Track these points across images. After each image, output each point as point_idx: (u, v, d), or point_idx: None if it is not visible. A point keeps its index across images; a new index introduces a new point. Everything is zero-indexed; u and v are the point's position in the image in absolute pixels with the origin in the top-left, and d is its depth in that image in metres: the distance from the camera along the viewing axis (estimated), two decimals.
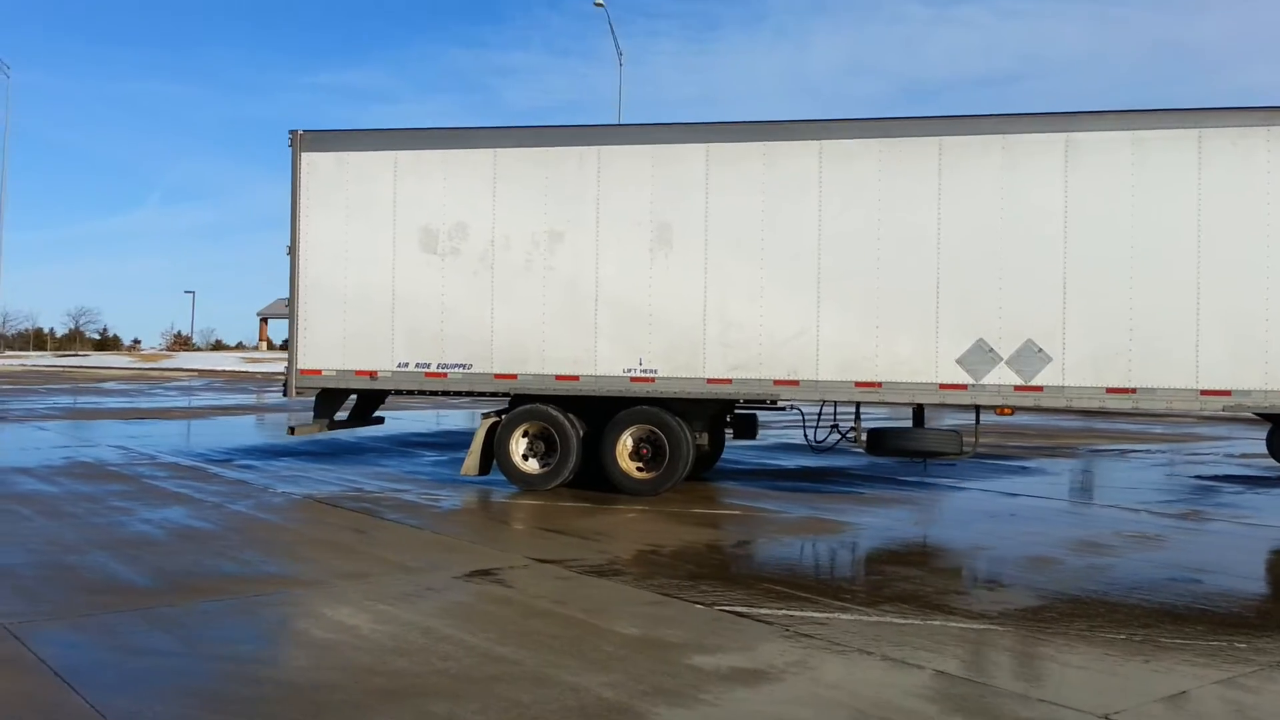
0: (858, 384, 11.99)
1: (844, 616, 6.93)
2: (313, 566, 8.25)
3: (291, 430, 14.10)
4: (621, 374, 12.52)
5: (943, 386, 11.78)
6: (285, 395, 13.73)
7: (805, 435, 13.79)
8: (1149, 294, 11.29)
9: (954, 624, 6.79)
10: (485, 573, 8.12)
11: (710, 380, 12.33)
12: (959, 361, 11.73)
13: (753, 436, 14.27)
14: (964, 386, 11.74)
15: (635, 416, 12.62)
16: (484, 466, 13.09)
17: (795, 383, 12.14)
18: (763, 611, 7.00)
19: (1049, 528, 10.94)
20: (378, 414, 15.02)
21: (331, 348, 13.33)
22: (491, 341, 12.86)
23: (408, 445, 18.37)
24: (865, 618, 6.91)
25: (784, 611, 7.01)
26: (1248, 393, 11.16)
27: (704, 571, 8.35)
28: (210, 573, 7.90)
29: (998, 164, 11.67)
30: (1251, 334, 11.10)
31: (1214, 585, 8.17)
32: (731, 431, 14.31)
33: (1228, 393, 11.21)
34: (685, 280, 12.36)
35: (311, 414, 14.11)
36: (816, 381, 12.09)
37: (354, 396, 14.24)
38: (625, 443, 12.69)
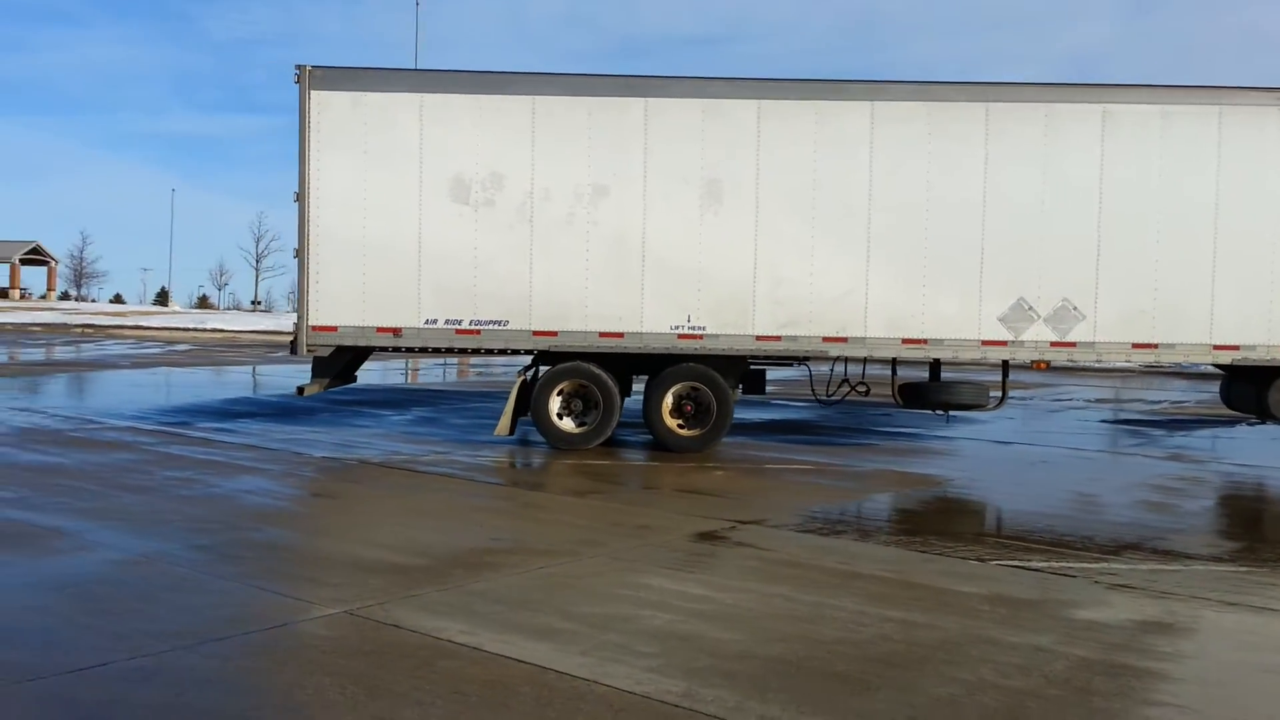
0: (904, 340, 12.39)
1: (1141, 567, 7.28)
2: (525, 536, 7.86)
3: (301, 390, 13.15)
4: (669, 331, 12.41)
5: (985, 343, 12.36)
6: (294, 353, 12.79)
7: (813, 390, 14.11)
8: (1172, 258, 12.21)
9: (1224, 568, 7.28)
10: (709, 535, 7.99)
11: (760, 338, 12.42)
12: (1000, 319, 12.32)
13: (762, 392, 14.46)
14: (1004, 343, 12.35)
15: (682, 374, 12.55)
16: (512, 426, 12.71)
17: (844, 339, 12.41)
18: (1050, 564, 7.26)
19: (1101, 472, 11.78)
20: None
21: (349, 303, 12.51)
22: (530, 297, 12.43)
23: (359, 405, 17.48)
24: (1163, 567, 7.30)
25: (1071, 564, 7.29)
26: (1253, 347, 12.31)
27: (897, 527, 8.53)
28: (451, 548, 7.37)
29: (1040, 131, 12.24)
30: (1258, 295, 12.22)
31: None
32: (742, 387, 14.44)
33: (1236, 347, 12.33)
34: (736, 237, 12.34)
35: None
36: (865, 339, 12.40)
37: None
38: (668, 400, 12.62)
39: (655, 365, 12.63)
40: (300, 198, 12.51)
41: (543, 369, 13.80)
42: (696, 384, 12.59)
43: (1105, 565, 7.36)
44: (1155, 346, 12.37)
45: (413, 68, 12.66)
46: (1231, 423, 17.67)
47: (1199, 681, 5.16)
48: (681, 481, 10.72)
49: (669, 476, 11.07)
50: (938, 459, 12.85)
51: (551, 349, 12.53)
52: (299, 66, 12.52)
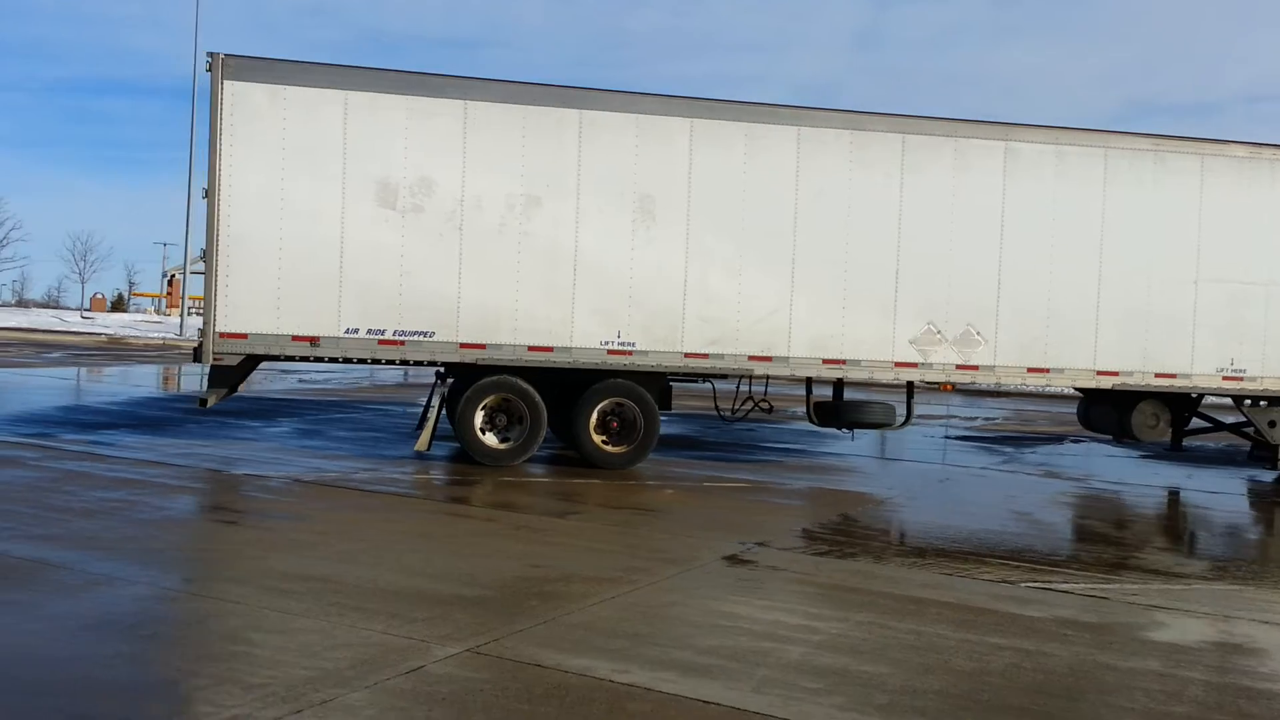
0: (825, 361, 12.78)
1: (1151, 586, 7.79)
2: (559, 562, 7.60)
3: (203, 402, 12.15)
4: (599, 346, 12.29)
5: (898, 365, 12.92)
6: (198, 361, 11.84)
7: (717, 407, 14.29)
8: (1063, 289, 13.17)
9: (1220, 586, 7.93)
10: (735, 559, 7.98)
11: (688, 355, 12.50)
12: (912, 342, 12.92)
13: (668, 408, 14.50)
14: (915, 365, 12.97)
15: (610, 390, 12.45)
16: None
17: (769, 359, 12.67)
18: (1072, 585, 7.67)
19: (1009, 490, 12.57)
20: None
21: (262, 309, 11.70)
22: (458, 309, 12.02)
23: (214, 414, 16.31)
24: (1169, 586, 7.84)
25: (1086, 584, 7.72)
26: (1131, 374, 13.44)
27: (895, 548, 8.80)
28: (497, 576, 6.99)
29: (950, 164, 12.93)
30: (1136, 326, 13.36)
31: None
32: None
33: (1116, 373, 13.43)
34: (667, 254, 12.38)
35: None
36: (788, 358, 12.70)
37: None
38: (594, 417, 12.49)
39: (582, 380, 12.47)
40: (210, 194, 11.61)
41: (450, 381, 13.45)
42: (622, 400, 12.53)
43: (1119, 586, 7.87)
44: (1047, 371, 13.30)
45: (339, 63, 11.94)
46: (1056, 439, 19.25)
47: None
48: (642, 500, 10.66)
49: (624, 495, 10.98)
50: (853, 476, 13.33)
51: (479, 362, 12.15)
52: (211, 54, 11.63)
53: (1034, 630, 6.49)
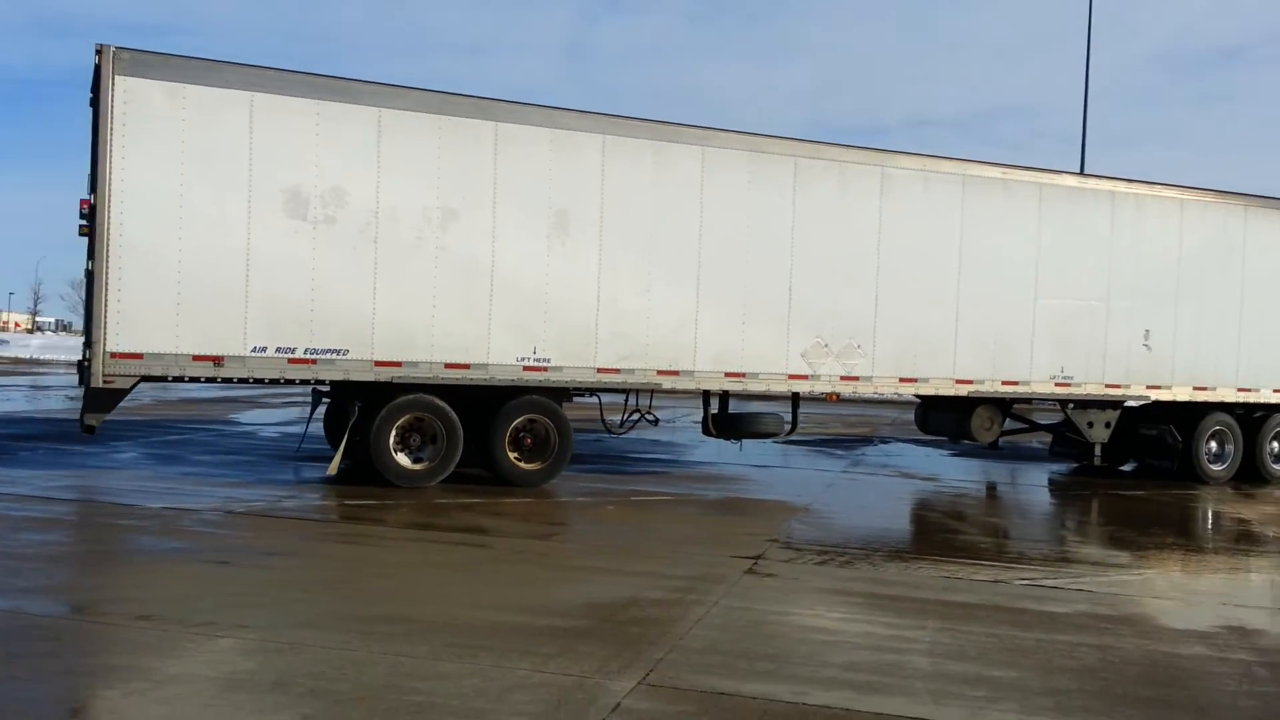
0: (727, 374, 13.17)
1: (1108, 576, 8.58)
2: (607, 588, 7.49)
3: (90, 429, 10.96)
4: (515, 362, 12.13)
5: (791, 377, 13.50)
6: (85, 384, 10.71)
7: (603, 420, 14.34)
8: (930, 305, 14.18)
9: (1135, 574, 8.87)
10: (754, 572, 8.15)
11: (601, 370, 12.54)
12: (802, 355, 13.53)
13: None
14: (806, 376, 13.59)
15: (524, 406, 12.29)
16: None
17: (676, 373, 12.91)
18: (1052, 582, 8.35)
19: (891, 491, 13.40)
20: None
21: (159, 327, 10.77)
22: (373, 325, 11.53)
23: (36, 439, 14.73)
24: (1103, 576, 8.66)
25: (1062, 580, 8.43)
26: (983, 382, 14.65)
27: (876, 553, 9.25)
28: (569, 603, 6.81)
29: (836, 188, 13.65)
30: (985, 340, 14.56)
31: None
32: None
33: (972, 381, 14.60)
34: (582, 269, 12.38)
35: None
36: (694, 372, 13.00)
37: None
38: (509, 434, 12.29)
39: (494, 397, 12.24)
40: (97, 200, 10.56)
41: (326, 401, 12.94)
42: (535, 416, 12.40)
43: (1092, 578, 8.68)
44: (916, 380, 14.27)
45: (247, 63, 11.13)
46: (866, 440, 20.60)
47: None
48: (597, 517, 10.65)
49: (572, 513, 10.95)
50: (751, 485, 13.78)
51: (394, 380, 11.68)
52: (101, 46, 10.58)
53: (1077, 625, 7.09)
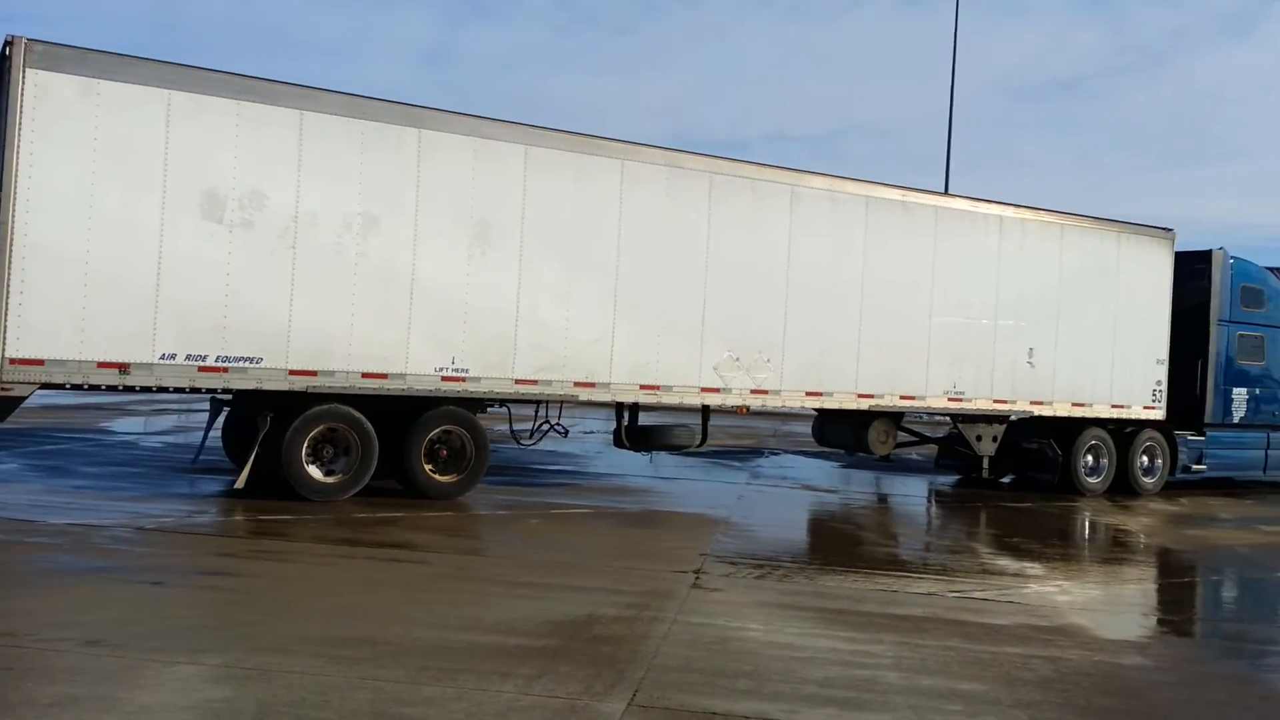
0: (642, 386, 13.25)
1: (1029, 589, 8.96)
2: (561, 605, 7.45)
3: None
4: (433, 373, 11.95)
5: (704, 390, 13.67)
6: None
7: (512, 432, 14.23)
8: (833, 322, 14.55)
9: (1058, 581, 9.31)
10: (701, 586, 8.23)
11: (519, 381, 12.47)
12: (715, 368, 13.72)
13: None
14: (718, 390, 13.77)
15: (441, 417, 12.13)
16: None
17: (592, 385, 12.93)
18: (981, 594, 8.68)
19: (802, 503, 13.70)
20: None
21: (63, 332, 10.24)
22: (289, 333, 11.20)
23: None
24: (1040, 588, 9.05)
25: (989, 591, 8.76)
26: (883, 396, 15.10)
27: (809, 566, 9.44)
28: (529, 621, 6.74)
29: (750, 205, 13.89)
30: (886, 358, 15.02)
31: None
32: None
33: (872, 395, 15.03)
34: (501, 280, 12.28)
35: None
36: (610, 384, 13.04)
37: None
38: (424, 445, 12.11)
39: (411, 408, 12.04)
40: (1, 199, 9.98)
41: (227, 410, 12.58)
42: (451, 427, 12.25)
43: (1016, 590, 9.06)
44: (821, 395, 14.62)
45: (165, 60, 10.67)
46: (756, 451, 20.99)
47: None
48: (524, 531, 10.60)
49: (497, 527, 10.86)
50: (664, 497, 13.90)
51: (309, 390, 11.37)
52: (12, 38, 10.01)
53: (1019, 637, 7.41)
